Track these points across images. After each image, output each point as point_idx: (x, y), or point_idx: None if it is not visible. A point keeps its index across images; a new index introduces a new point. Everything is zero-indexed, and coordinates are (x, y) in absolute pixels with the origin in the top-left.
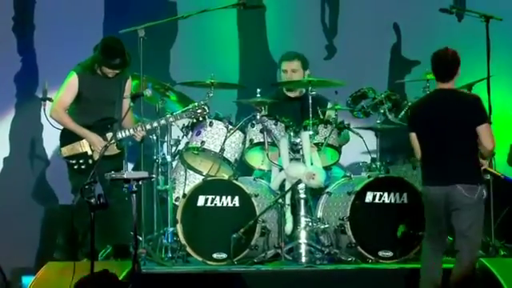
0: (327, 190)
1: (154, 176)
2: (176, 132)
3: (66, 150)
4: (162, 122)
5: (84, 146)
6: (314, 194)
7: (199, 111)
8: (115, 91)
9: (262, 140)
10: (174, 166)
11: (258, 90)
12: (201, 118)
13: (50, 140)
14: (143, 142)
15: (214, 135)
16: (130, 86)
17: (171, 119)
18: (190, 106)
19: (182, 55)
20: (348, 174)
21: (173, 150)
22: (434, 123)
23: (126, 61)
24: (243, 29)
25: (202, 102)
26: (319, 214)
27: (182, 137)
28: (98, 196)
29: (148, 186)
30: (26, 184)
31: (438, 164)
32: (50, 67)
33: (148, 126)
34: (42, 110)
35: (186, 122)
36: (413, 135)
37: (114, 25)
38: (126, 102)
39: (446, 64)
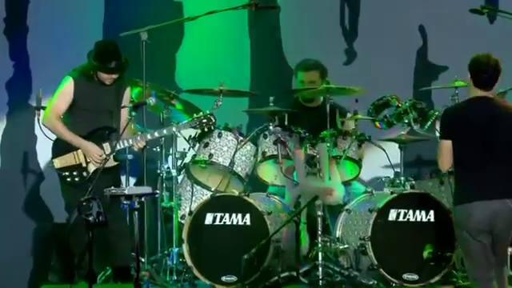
0: (346, 207)
1: (157, 192)
2: (182, 144)
3: (59, 161)
4: (165, 132)
5: (78, 157)
6: (332, 211)
7: (205, 121)
8: (112, 100)
9: (275, 153)
10: (179, 180)
11: (271, 98)
12: (206, 129)
13: (45, 152)
14: (143, 150)
15: (223, 147)
16: (128, 95)
17: (175, 129)
18: (195, 116)
19: (188, 60)
20: (369, 190)
21: (178, 164)
22: (481, 131)
23: (122, 64)
24: (255, 31)
25: (208, 112)
26: (338, 233)
27: (189, 149)
28: (97, 213)
29: (151, 202)
30: (17, 200)
31: (483, 176)
32: (44, 73)
33: (149, 136)
34: (36, 119)
35: (192, 132)
36: (446, 143)
37: (114, 27)
38: (125, 113)
39: (489, 71)
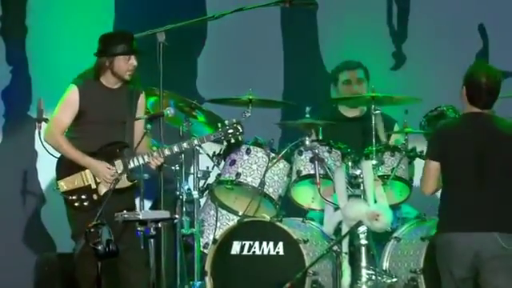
0: (395, 234)
1: (176, 217)
2: (205, 161)
3: (65, 184)
4: (185, 146)
5: (87, 178)
6: (379, 239)
7: (231, 131)
8: (125, 109)
9: (312, 172)
10: (202, 204)
11: (308, 109)
12: (234, 140)
13: (47, 171)
14: (160, 168)
15: (252, 165)
16: (143, 103)
17: (196, 142)
18: (220, 125)
19: (212, 65)
20: (422, 215)
21: (201, 184)
22: (476, 153)
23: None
24: (289, 32)
25: (234, 120)
26: (385, 264)
27: (213, 167)
28: (107, 241)
29: (169, 229)
30: (15, 227)
31: (471, 205)
32: (46, 80)
33: (167, 152)
34: (37, 133)
35: (217, 148)
36: (434, 165)
37: (126, 27)
38: (140, 124)
39: (493, 92)
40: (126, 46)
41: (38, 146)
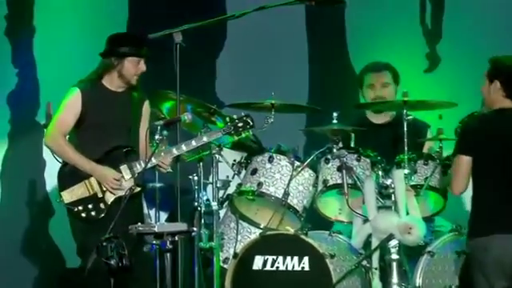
0: (429, 248)
1: (194, 229)
2: (224, 170)
3: (69, 195)
4: (194, 143)
5: (92, 187)
6: (411, 253)
7: (241, 125)
8: (129, 114)
9: (339, 181)
10: (221, 215)
11: (335, 115)
12: (244, 134)
13: (55, 181)
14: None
15: (275, 174)
16: (147, 111)
17: (206, 139)
18: (228, 119)
19: (232, 68)
20: (457, 228)
21: (220, 195)
22: (506, 151)
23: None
24: (315, 32)
25: (243, 113)
26: (418, 281)
27: (233, 176)
28: (120, 256)
29: (187, 242)
30: (22, 240)
31: (503, 204)
32: (55, 84)
33: (175, 151)
34: None
35: (237, 156)
36: (465, 160)
37: (141, 27)
38: (144, 132)
39: None
40: (138, 48)
41: (46, 154)
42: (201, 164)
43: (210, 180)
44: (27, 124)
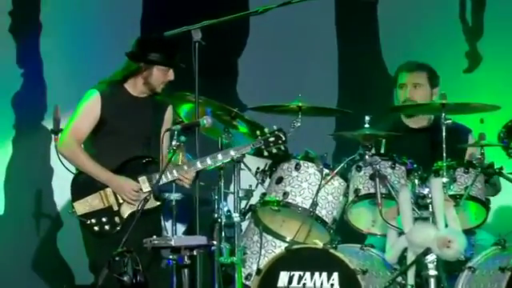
0: (469, 264)
1: (214, 243)
2: (247, 179)
3: (81, 206)
4: (220, 157)
5: (107, 198)
6: (450, 269)
7: (273, 139)
8: (151, 122)
9: (372, 191)
10: (243, 228)
11: (367, 118)
12: (275, 150)
13: (64, 190)
14: (195, 186)
15: (303, 183)
16: (170, 118)
17: (233, 153)
18: (259, 133)
19: (255, 67)
20: (501, 241)
21: (242, 206)
22: None
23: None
24: (345, 29)
25: (275, 127)
26: None
27: (256, 186)
28: (134, 272)
29: (206, 257)
30: (28, 254)
31: None
32: (63, 85)
33: (199, 165)
34: (53, 146)
35: (261, 163)
36: None
37: (156, 23)
38: (166, 140)
39: None
40: (170, 56)
41: (53, 161)
42: (221, 172)
43: (232, 189)
44: (33, 129)
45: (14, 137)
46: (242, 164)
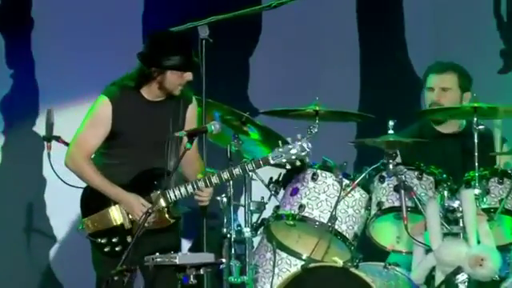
0: (505, 284)
1: (223, 261)
2: (259, 190)
3: (91, 224)
4: (237, 172)
5: (118, 216)
6: None
7: (295, 152)
8: (168, 126)
9: (397, 204)
10: (255, 244)
11: (391, 123)
12: (298, 163)
13: (58, 203)
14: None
15: (320, 195)
16: (194, 115)
17: (251, 167)
18: (280, 144)
19: (268, 67)
20: None
21: (254, 219)
22: None
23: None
24: (367, 25)
25: (298, 136)
26: None
27: (269, 198)
28: None
29: (214, 276)
30: (18, 274)
31: None
32: (57, 86)
33: (214, 180)
34: (46, 154)
35: (274, 173)
36: None
37: (159, 19)
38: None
39: None
40: (185, 58)
41: (46, 171)
42: (231, 182)
43: (242, 202)
44: (24, 135)
45: (2, 144)
46: (254, 173)
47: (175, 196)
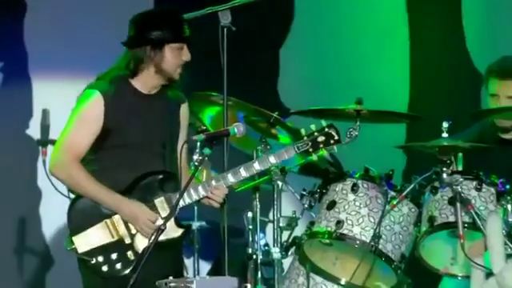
0: None
1: (248, 286)
2: (290, 203)
3: (83, 241)
4: (257, 167)
5: (117, 228)
6: None
7: (322, 139)
8: (167, 125)
9: (451, 219)
10: (285, 267)
11: (445, 125)
12: (326, 153)
13: (55, 218)
14: (222, 209)
15: (361, 209)
16: (185, 116)
17: (273, 160)
18: (305, 133)
19: (300, 61)
20: None
21: (284, 238)
22: None
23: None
24: (418, 11)
25: (324, 123)
26: None
27: (302, 212)
28: None
29: None
30: None
31: None
32: (53, 83)
33: (231, 178)
34: (41, 161)
35: (308, 183)
36: None
37: (172, 3)
38: (184, 149)
39: None
40: (178, 29)
41: (41, 180)
42: (257, 195)
43: (271, 217)
44: (15, 139)
45: None
46: (284, 184)
47: (184, 201)
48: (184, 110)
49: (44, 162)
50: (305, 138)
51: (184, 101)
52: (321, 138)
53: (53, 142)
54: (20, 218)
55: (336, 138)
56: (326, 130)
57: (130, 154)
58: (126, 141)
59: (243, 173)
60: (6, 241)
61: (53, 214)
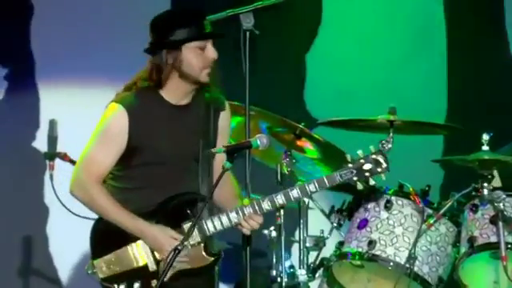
0: None
1: None
2: (318, 221)
3: (106, 266)
4: (295, 195)
5: (141, 255)
6: None
7: (369, 168)
8: (199, 135)
9: (493, 239)
10: None
11: (486, 137)
12: (372, 182)
13: (64, 238)
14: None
15: (396, 228)
16: (227, 124)
17: (313, 188)
18: (350, 159)
19: (329, 67)
20: None
21: (311, 259)
22: None
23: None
24: (457, 13)
25: (372, 149)
26: None
27: (330, 231)
28: None
29: None
30: None
31: None
32: (62, 91)
33: (266, 205)
34: (48, 176)
35: (337, 200)
36: None
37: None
38: (221, 159)
39: None
40: (193, 28)
41: (48, 196)
42: (281, 212)
43: (296, 236)
44: (21, 152)
45: None
46: (311, 200)
47: (215, 227)
48: (224, 117)
49: (51, 176)
50: (350, 164)
51: (224, 107)
52: (367, 166)
53: (60, 156)
54: (25, 237)
55: (384, 165)
56: (374, 156)
57: (159, 171)
58: (155, 157)
59: (280, 201)
60: (10, 261)
61: (60, 232)
